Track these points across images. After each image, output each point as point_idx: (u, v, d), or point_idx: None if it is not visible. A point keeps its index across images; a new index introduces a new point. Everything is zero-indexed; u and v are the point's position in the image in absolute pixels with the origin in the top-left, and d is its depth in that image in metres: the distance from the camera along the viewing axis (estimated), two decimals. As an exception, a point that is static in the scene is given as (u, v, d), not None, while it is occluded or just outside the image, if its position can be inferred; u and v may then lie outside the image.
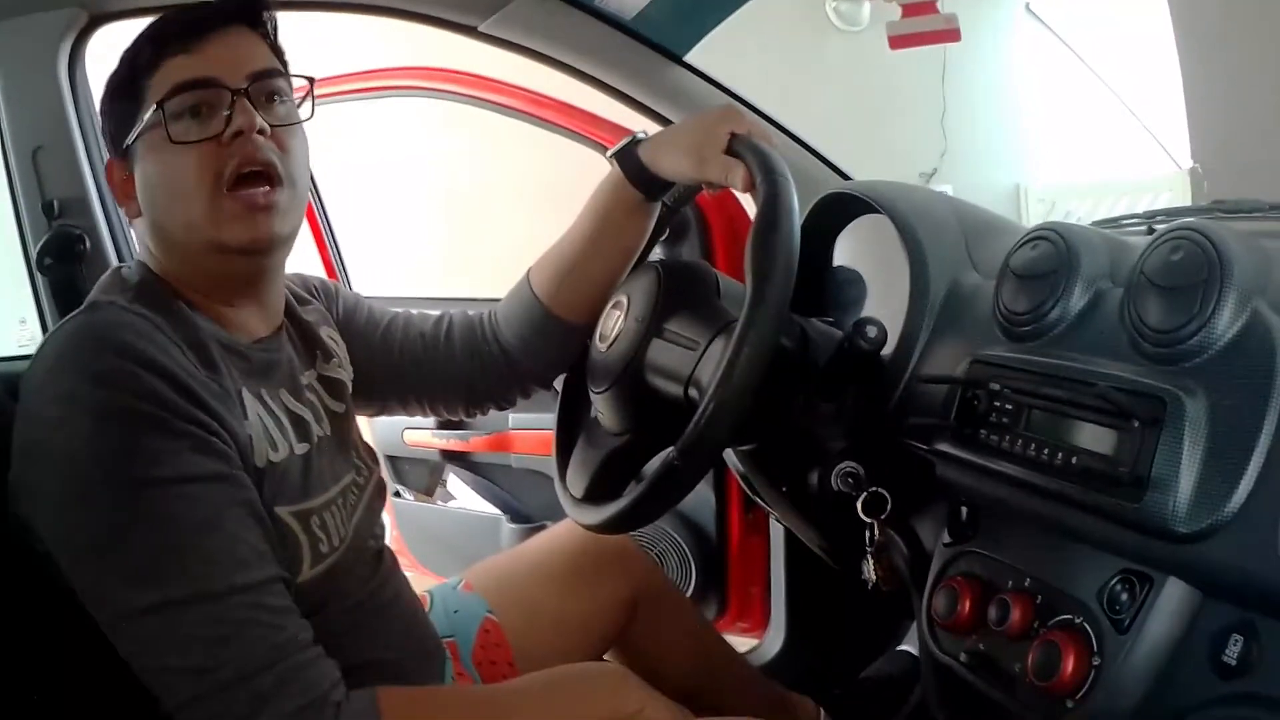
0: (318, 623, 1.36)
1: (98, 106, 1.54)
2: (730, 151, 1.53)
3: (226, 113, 1.40)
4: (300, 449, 1.47)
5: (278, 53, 1.53)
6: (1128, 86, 7.29)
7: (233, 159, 1.39)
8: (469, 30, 2.39)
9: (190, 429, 1.26)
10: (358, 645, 1.49)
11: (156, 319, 1.32)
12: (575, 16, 2.36)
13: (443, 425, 3.06)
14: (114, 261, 2.28)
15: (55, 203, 2.23)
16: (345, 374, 1.71)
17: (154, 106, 1.40)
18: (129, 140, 1.44)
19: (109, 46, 1.68)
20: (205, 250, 1.42)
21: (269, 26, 1.52)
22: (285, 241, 1.48)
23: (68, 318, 1.34)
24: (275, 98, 1.47)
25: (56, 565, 1.25)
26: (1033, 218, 7.29)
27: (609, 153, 1.70)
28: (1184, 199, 5.83)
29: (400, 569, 1.71)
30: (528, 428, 2.93)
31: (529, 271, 1.83)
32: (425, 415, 1.96)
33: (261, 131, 1.40)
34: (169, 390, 1.25)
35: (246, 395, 1.41)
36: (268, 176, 1.41)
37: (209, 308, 1.46)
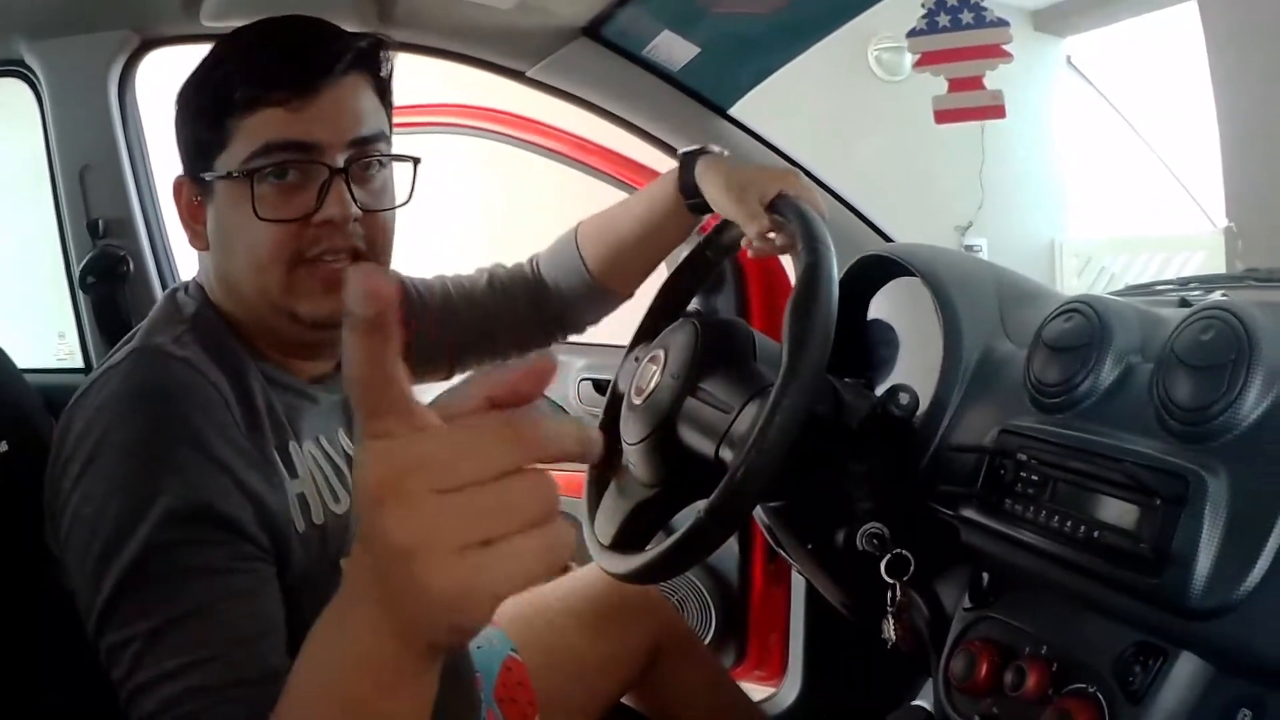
0: None
1: (175, 107, 1.42)
2: (775, 209, 1.55)
3: (317, 190, 1.33)
4: None
5: (386, 98, 1.47)
6: (1166, 143, 7.29)
7: (316, 243, 1.34)
8: (517, 75, 2.43)
9: (213, 534, 1.20)
10: None
11: (204, 363, 1.29)
12: (622, 66, 2.40)
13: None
14: (156, 285, 2.33)
15: (100, 222, 2.26)
16: None
17: (243, 157, 1.32)
18: (208, 177, 1.37)
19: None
20: (276, 316, 1.37)
21: (385, 70, 1.46)
22: None
23: (115, 355, 1.32)
24: (373, 166, 1.40)
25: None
26: (1067, 272, 7.28)
27: (681, 150, 1.73)
28: (1219, 258, 5.80)
29: None
30: (555, 467, 2.88)
31: (578, 235, 1.85)
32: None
33: (354, 218, 1.35)
34: (202, 471, 1.20)
35: (296, 448, 1.37)
36: (351, 254, 1.36)
37: (266, 351, 1.42)
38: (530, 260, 1.91)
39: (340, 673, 0.78)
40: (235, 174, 1.33)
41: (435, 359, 1.83)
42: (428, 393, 1.75)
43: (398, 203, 1.44)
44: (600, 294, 1.84)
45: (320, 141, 1.33)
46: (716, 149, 1.73)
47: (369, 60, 1.41)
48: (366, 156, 1.38)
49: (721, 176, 1.64)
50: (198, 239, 1.43)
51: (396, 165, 1.47)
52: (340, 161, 1.34)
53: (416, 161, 1.47)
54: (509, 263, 1.90)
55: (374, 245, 1.39)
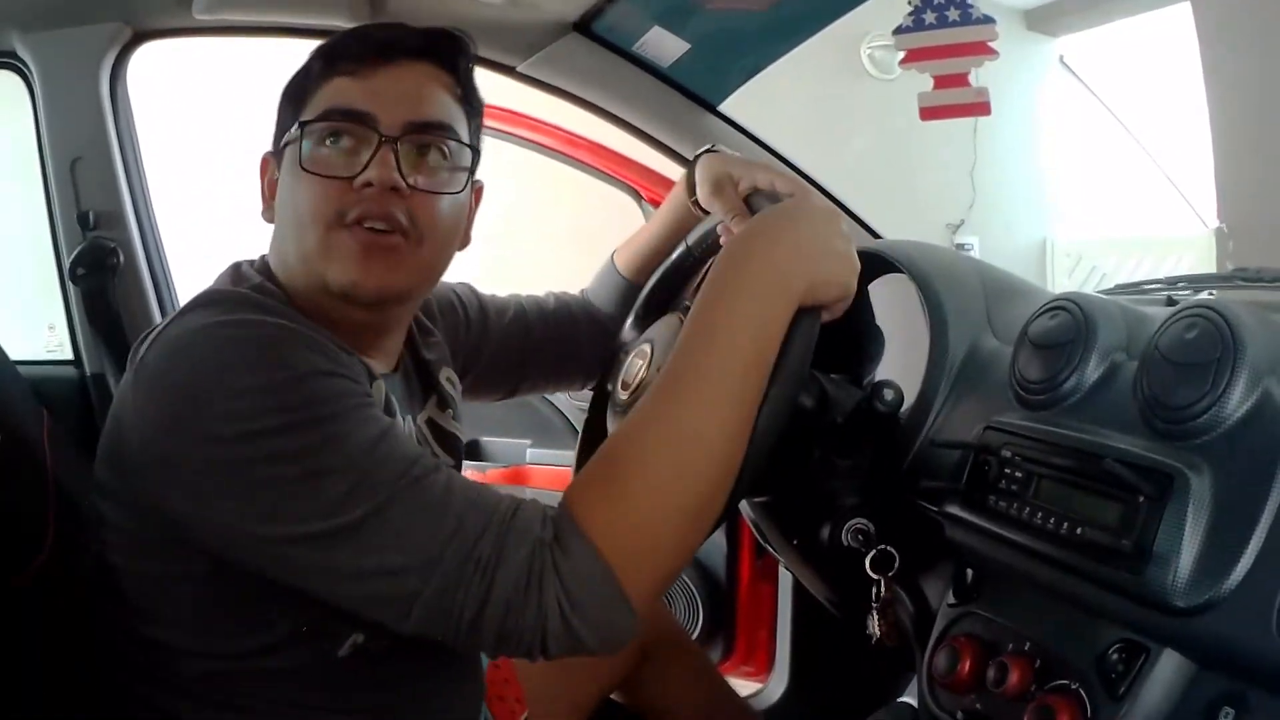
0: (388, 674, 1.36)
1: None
2: (750, 204, 1.56)
3: (368, 157, 1.33)
4: None
5: (468, 99, 1.47)
6: (1159, 144, 7.29)
7: (357, 206, 1.32)
8: (508, 70, 2.42)
9: (340, 368, 1.23)
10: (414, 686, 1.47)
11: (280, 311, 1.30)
12: (613, 61, 2.40)
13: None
14: (146, 277, 2.34)
15: (91, 214, 2.27)
16: (460, 428, 1.66)
17: (301, 122, 1.36)
18: (279, 145, 1.42)
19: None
20: (313, 287, 1.35)
21: (460, 70, 1.46)
22: (398, 296, 1.40)
23: (187, 306, 1.30)
24: (430, 152, 1.39)
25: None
26: (1059, 272, 7.29)
27: (696, 153, 1.74)
28: (1210, 259, 5.80)
29: None
30: (544, 463, 2.93)
31: (614, 258, 1.92)
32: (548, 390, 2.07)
33: (396, 189, 1.33)
34: (319, 352, 1.22)
35: None
36: (392, 226, 1.34)
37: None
38: (580, 294, 1.97)
39: (744, 327, 1.24)
40: (295, 133, 1.36)
41: (500, 376, 1.88)
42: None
43: (451, 189, 1.41)
44: (637, 290, 1.87)
45: (376, 113, 1.34)
46: (724, 149, 1.73)
47: (438, 51, 1.43)
48: (423, 137, 1.38)
49: (706, 172, 1.65)
50: (268, 210, 1.46)
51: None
52: (393, 133, 1.35)
53: (475, 151, 1.46)
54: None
55: (420, 225, 1.36)
